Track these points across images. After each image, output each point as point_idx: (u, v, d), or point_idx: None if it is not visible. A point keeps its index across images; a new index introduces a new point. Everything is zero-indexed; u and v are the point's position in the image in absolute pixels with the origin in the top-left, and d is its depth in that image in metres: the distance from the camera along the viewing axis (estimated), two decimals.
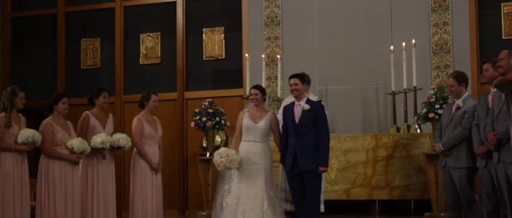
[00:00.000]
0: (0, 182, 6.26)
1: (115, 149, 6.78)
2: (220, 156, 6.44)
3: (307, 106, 6.38)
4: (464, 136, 6.00)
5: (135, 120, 7.02)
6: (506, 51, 5.43)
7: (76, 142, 6.50)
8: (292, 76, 6.56)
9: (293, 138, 6.41)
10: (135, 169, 6.96)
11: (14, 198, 6.29)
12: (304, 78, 6.60)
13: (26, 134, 6.34)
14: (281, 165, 7.28)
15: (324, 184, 7.18)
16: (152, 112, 7.13)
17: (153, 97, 7.09)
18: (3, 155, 6.30)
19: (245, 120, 6.61)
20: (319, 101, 6.93)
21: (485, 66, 5.85)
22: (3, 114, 6.39)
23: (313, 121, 6.34)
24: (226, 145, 8.76)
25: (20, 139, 6.34)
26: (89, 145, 6.58)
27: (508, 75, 5.08)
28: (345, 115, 8.65)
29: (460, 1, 8.55)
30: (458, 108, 6.13)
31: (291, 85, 6.52)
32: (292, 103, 6.55)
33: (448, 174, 6.17)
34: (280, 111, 7.22)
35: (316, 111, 6.41)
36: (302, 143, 6.32)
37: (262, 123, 6.55)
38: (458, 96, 6.22)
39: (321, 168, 6.29)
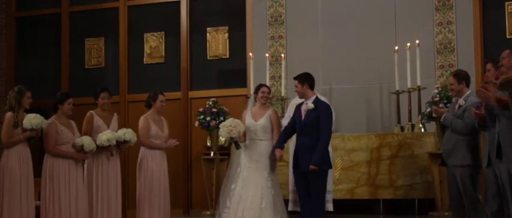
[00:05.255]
0: (7, 181, 6.28)
1: (121, 144, 6.79)
2: (225, 125, 6.57)
3: (311, 105, 6.37)
4: (462, 129, 5.96)
5: (142, 119, 7.06)
6: (508, 51, 5.40)
7: (87, 140, 6.50)
8: (294, 78, 6.57)
9: (298, 137, 6.46)
10: (141, 170, 6.99)
11: (20, 197, 6.30)
12: (302, 79, 6.48)
13: (36, 121, 6.33)
14: (290, 166, 7.31)
15: (330, 183, 7.18)
16: (159, 112, 7.16)
17: (160, 97, 7.12)
18: (10, 154, 6.32)
19: (247, 119, 6.66)
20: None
21: (488, 66, 5.83)
22: (10, 113, 6.40)
23: (317, 121, 6.32)
24: (229, 144, 8.77)
25: (28, 125, 6.30)
26: (96, 144, 6.59)
27: (510, 74, 5.07)
28: (349, 114, 8.64)
29: (464, 0, 8.55)
30: (460, 106, 6.12)
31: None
32: (302, 102, 6.54)
33: (451, 173, 6.15)
34: (287, 109, 7.26)
35: (321, 110, 6.37)
36: (304, 143, 6.32)
37: (262, 121, 6.58)
38: (459, 94, 6.18)
39: (311, 167, 6.16)
